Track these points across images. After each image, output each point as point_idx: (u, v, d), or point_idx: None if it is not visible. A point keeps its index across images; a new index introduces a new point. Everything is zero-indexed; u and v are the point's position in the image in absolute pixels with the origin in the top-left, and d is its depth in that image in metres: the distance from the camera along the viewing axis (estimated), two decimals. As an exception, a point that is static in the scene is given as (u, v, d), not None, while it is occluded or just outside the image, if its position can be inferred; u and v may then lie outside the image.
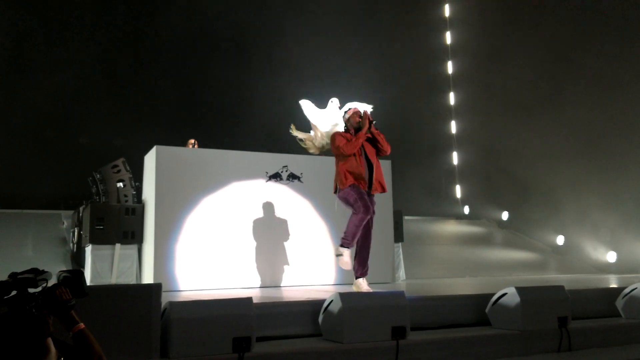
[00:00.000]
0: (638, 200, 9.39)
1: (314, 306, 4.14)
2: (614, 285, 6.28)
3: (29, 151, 10.44)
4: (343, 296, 3.85)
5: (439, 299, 4.93)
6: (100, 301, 3.17)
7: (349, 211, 5.47)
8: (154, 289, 3.40)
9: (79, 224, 7.47)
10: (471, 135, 13.59)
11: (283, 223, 6.60)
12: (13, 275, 2.04)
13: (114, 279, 6.42)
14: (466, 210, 13.69)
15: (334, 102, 6.11)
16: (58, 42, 11.04)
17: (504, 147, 12.23)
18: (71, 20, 11.33)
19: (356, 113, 5.40)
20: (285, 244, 6.57)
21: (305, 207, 6.77)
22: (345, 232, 5.16)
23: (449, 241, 11.34)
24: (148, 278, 6.16)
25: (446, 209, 13.62)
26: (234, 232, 6.33)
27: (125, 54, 11.69)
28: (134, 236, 6.57)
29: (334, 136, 5.35)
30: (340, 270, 6.68)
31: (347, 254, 5.12)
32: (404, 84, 13.05)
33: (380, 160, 5.44)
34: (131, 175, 7.41)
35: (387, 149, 5.40)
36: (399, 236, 7.61)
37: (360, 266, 5.25)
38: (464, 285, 6.89)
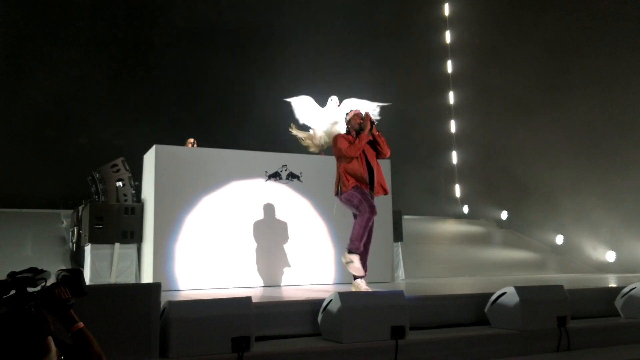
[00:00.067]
0: (638, 200, 9.40)
1: (313, 306, 4.14)
2: (613, 285, 6.28)
3: (28, 151, 10.44)
4: (342, 296, 3.85)
5: (438, 298, 4.93)
6: (99, 300, 3.17)
7: (348, 212, 5.47)
8: (153, 289, 3.40)
9: (78, 223, 7.47)
10: (471, 135, 13.59)
11: (282, 222, 6.60)
12: (12, 275, 2.04)
13: (113, 279, 6.42)
14: (465, 209, 13.70)
15: (333, 100, 6.13)
16: (58, 42, 11.03)
17: (503, 147, 12.24)
18: (71, 21, 11.32)
19: (357, 115, 5.40)
20: (285, 243, 6.58)
21: (305, 206, 6.77)
22: (351, 237, 5.12)
23: (449, 241, 11.33)
24: (147, 277, 6.16)
25: (445, 209, 13.63)
26: (233, 231, 6.34)
27: (125, 54, 11.68)
28: (133, 235, 6.58)
29: (336, 138, 5.34)
30: (340, 270, 6.69)
31: (356, 260, 5.07)
32: (404, 83, 13.05)
33: (379, 162, 5.44)
34: (130, 175, 7.40)
35: (387, 152, 5.40)
36: (398, 236, 7.62)
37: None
38: (463, 285, 6.89)
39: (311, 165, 6.88)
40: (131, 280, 6.47)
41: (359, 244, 5.08)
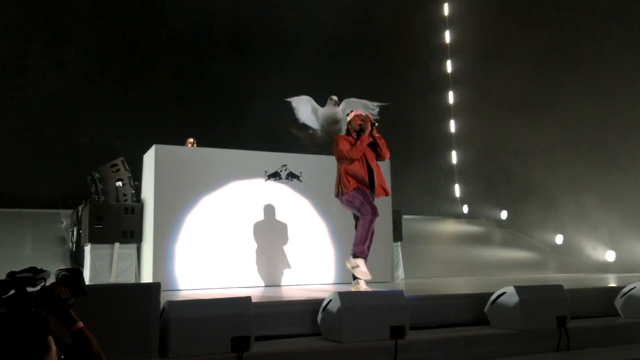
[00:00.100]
0: (637, 200, 9.40)
1: (312, 305, 4.14)
2: (612, 285, 6.29)
3: (28, 151, 10.44)
4: (342, 295, 3.85)
5: (437, 298, 4.93)
6: (99, 300, 3.17)
7: (348, 212, 5.47)
8: (153, 288, 3.40)
9: (78, 223, 7.47)
10: (470, 135, 13.59)
11: (282, 222, 6.60)
12: (11, 274, 2.04)
13: (113, 278, 6.42)
14: (465, 209, 13.70)
15: (333, 99, 6.13)
16: (58, 42, 11.04)
17: (503, 147, 12.23)
18: (71, 20, 11.32)
19: (358, 116, 5.39)
20: (284, 243, 6.57)
21: (305, 206, 6.77)
22: (355, 241, 5.10)
23: (448, 240, 11.34)
24: (147, 277, 6.15)
25: (445, 208, 13.63)
26: (232, 231, 6.33)
27: (125, 53, 11.68)
28: (133, 235, 6.57)
29: (337, 139, 5.32)
30: (339, 270, 6.69)
31: (362, 264, 5.05)
32: (403, 83, 13.05)
33: (378, 163, 5.44)
34: (130, 175, 7.40)
35: (387, 155, 5.39)
36: (397, 235, 7.61)
37: None
38: (462, 285, 6.90)
39: (311, 165, 6.88)
40: (131, 280, 6.47)
41: (363, 247, 5.06)
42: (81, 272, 2.25)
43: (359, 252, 5.06)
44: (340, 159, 5.26)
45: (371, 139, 5.27)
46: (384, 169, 5.61)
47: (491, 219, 12.72)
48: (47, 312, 1.99)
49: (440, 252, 10.14)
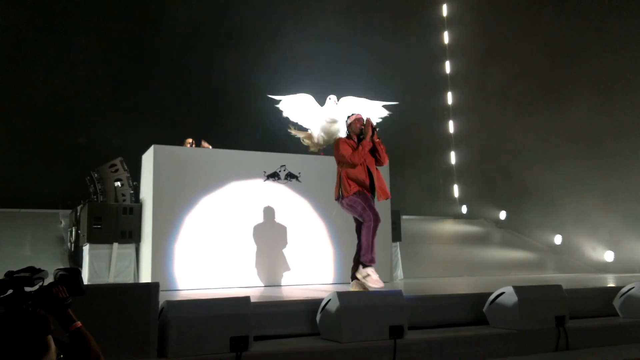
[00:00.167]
0: (637, 200, 9.40)
1: (311, 305, 4.14)
2: (611, 285, 6.29)
3: (27, 151, 10.43)
4: (341, 295, 3.85)
5: (436, 298, 4.93)
6: (97, 300, 3.16)
7: (348, 216, 5.46)
8: (152, 288, 3.40)
9: (76, 223, 7.46)
10: (469, 135, 13.59)
11: (281, 222, 6.60)
12: (9, 274, 2.03)
13: (111, 278, 6.41)
14: (464, 209, 13.70)
15: (331, 99, 6.11)
16: (57, 42, 11.03)
17: (502, 147, 12.24)
18: (70, 20, 11.31)
19: (358, 119, 5.37)
20: (283, 243, 6.57)
21: (304, 206, 6.77)
22: (362, 251, 5.07)
23: (447, 241, 11.34)
24: (146, 277, 6.15)
25: (444, 209, 13.62)
26: (231, 231, 6.33)
27: (124, 53, 11.66)
28: (132, 235, 6.57)
29: (338, 142, 5.30)
30: (338, 270, 6.70)
31: (373, 272, 5.03)
32: (402, 84, 13.04)
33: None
34: (129, 175, 7.40)
35: (385, 160, 5.38)
36: (396, 235, 7.62)
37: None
38: (461, 285, 6.90)
39: (310, 165, 6.88)
40: (129, 280, 6.46)
41: (371, 255, 5.04)
42: (79, 272, 2.25)
43: (368, 260, 5.04)
44: (340, 162, 5.25)
45: (372, 144, 5.26)
46: (383, 170, 5.61)
47: (490, 219, 12.72)
48: (45, 312, 1.98)
49: (439, 252, 10.14)
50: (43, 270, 2.10)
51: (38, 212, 9.51)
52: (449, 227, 12.47)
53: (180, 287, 6.01)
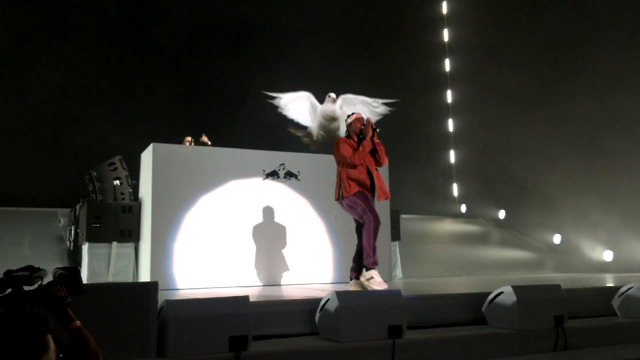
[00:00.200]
0: (636, 200, 9.40)
1: (310, 305, 4.13)
2: (610, 284, 6.29)
3: (25, 149, 10.42)
4: (340, 295, 3.84)
5: (435, 297, 4.92)
6: (96, 299, 3.16)
7: (348, 215, 5.45)
8: (151, 288, 3.39)
9: (75, 222, 7.46)
10: (468, 134, 13.59)
11: (280, 221, 6.60)
12: (8, 273, 2.03)
13: (110, 278, 6.41)
14: (463, 209, 13.70)
15: (331, 97, 6.12)
16: (55, 41, 11.00)
17: (501, 146, 12.23)
18: (69, 20, 11.29)
19: (359, 119, 5.37)
20: (283, 242, 6.58)
21: (303, 204, 6.77)
22: (364, 254, 5.06)
23: (446, 240, 11.34)
24: (145, 276, 6.15)
25: (443, 208, 13.62)
26: (231, 230, 6.33)
27: (123, 52, 11.66)
28: (131, 234, 6.57)
29: (339, 142, 5.29)
30: (337, 269, 6.70)
31: (376, 275, 5.02)
32: (401, 82, 13.04)
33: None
34: (128, 173, 7.39)
35: (385, 161, 5.38)
36: (395, 235, 7.62)
37: (359, 269, 5.21)
38: (460, 284, 6.90)
39: (309, 163, 6.88)
40: (128, 279, 6.46)
41: (373, 258, 5.04)
42: (78, 271, 2.25)
43: (370, 263, 5.03)
44: (341, 162, 5.24)
45: (372, 145, 5.26)
46: (382, 168, 5.61)
47: (489, 219, 12.72)
48: (44, 311, 1.98)
49: (438, 252, 10.14)
50: (42, 269, 2.10)
51: (37, 211, 9.50)
52: (448, 226, 12.47)
53: (179, 287, 6.01)
